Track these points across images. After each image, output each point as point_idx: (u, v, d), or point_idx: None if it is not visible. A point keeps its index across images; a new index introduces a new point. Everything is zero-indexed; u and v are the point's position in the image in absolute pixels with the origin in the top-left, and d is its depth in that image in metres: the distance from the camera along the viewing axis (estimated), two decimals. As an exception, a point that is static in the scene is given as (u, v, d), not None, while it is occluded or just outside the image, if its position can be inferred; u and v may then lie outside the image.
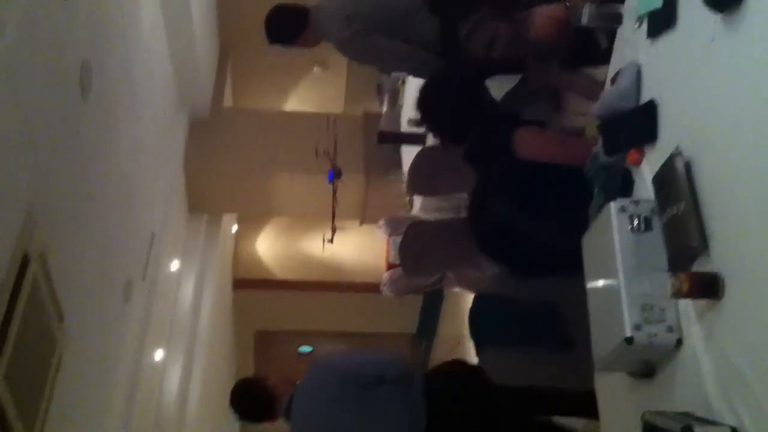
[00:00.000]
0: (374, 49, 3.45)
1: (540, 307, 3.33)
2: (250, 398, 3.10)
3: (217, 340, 7.60)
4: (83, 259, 3.73)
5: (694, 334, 1.58)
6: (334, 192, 6.83)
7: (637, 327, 1.64)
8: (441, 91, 3.01)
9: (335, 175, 6.73)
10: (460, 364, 3.24)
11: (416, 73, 3.79)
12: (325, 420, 2.92)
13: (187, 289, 6.30)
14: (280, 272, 9.21)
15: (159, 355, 5.56)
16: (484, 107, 3.00)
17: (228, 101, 8.14)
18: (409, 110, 6.21)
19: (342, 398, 2.89)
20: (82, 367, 3.71)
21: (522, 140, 2.81)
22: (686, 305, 1.61)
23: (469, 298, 3.81)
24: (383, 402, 2.86)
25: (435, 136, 3.42)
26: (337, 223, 8.91)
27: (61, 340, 3.31)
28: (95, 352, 4.04)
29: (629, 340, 1.64)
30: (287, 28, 3.55)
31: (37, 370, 3.12)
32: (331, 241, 7.61)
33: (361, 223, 7.54)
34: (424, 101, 3.06)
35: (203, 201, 7.04)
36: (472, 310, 3.66)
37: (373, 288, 6.40)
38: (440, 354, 8.31)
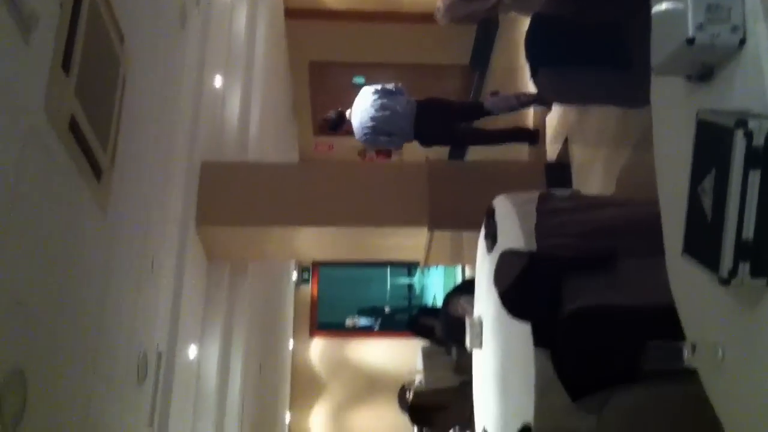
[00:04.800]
0: None
1: (599, 26, 3.26)
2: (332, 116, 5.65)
3: (273, 69, 7.67)
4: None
5: (759, 32, 1.54)
6: None
7: (699, 27, 1.59)
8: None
9: None
10: None
11: None
12: (366, 111, 5.41)
13: (241, 16, 6.26)
14: (333, 1, 9.01)
15: (218, 81, 5.68)
16: None
17: None
18: None
19: (374, 101, 5.41)
20: (145, 87, 3.83)
21: None
22: (755, 2, 1.55)
23: (524, 27, 3.72)
24: (399, 101, 5.45)
25: None
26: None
27: (124, 60, 3.40)
28: (157, 74, 4.14)
29: (691, 41, 1.60)
30: None
31: (105, 88, 3.25)
32: None
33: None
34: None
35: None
36: (529, 30, 3.60)
37: (428, 18, 6.27)
38: (492, 85, 8.30)
